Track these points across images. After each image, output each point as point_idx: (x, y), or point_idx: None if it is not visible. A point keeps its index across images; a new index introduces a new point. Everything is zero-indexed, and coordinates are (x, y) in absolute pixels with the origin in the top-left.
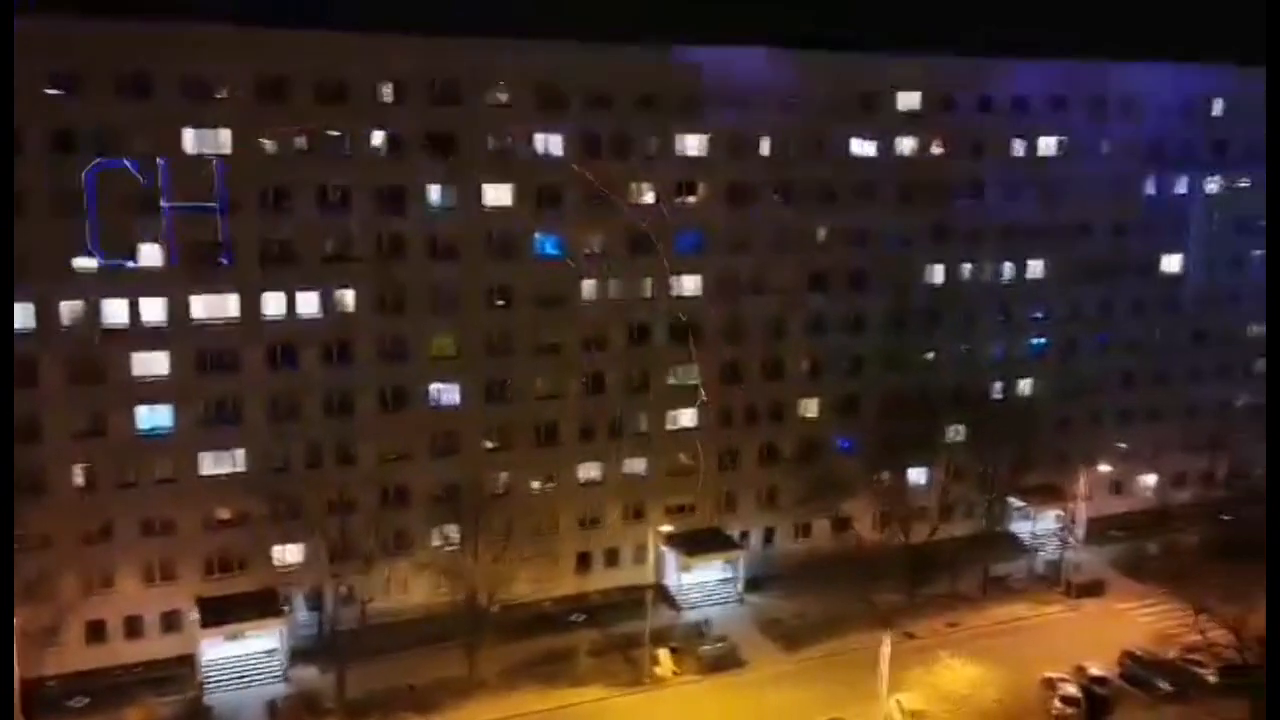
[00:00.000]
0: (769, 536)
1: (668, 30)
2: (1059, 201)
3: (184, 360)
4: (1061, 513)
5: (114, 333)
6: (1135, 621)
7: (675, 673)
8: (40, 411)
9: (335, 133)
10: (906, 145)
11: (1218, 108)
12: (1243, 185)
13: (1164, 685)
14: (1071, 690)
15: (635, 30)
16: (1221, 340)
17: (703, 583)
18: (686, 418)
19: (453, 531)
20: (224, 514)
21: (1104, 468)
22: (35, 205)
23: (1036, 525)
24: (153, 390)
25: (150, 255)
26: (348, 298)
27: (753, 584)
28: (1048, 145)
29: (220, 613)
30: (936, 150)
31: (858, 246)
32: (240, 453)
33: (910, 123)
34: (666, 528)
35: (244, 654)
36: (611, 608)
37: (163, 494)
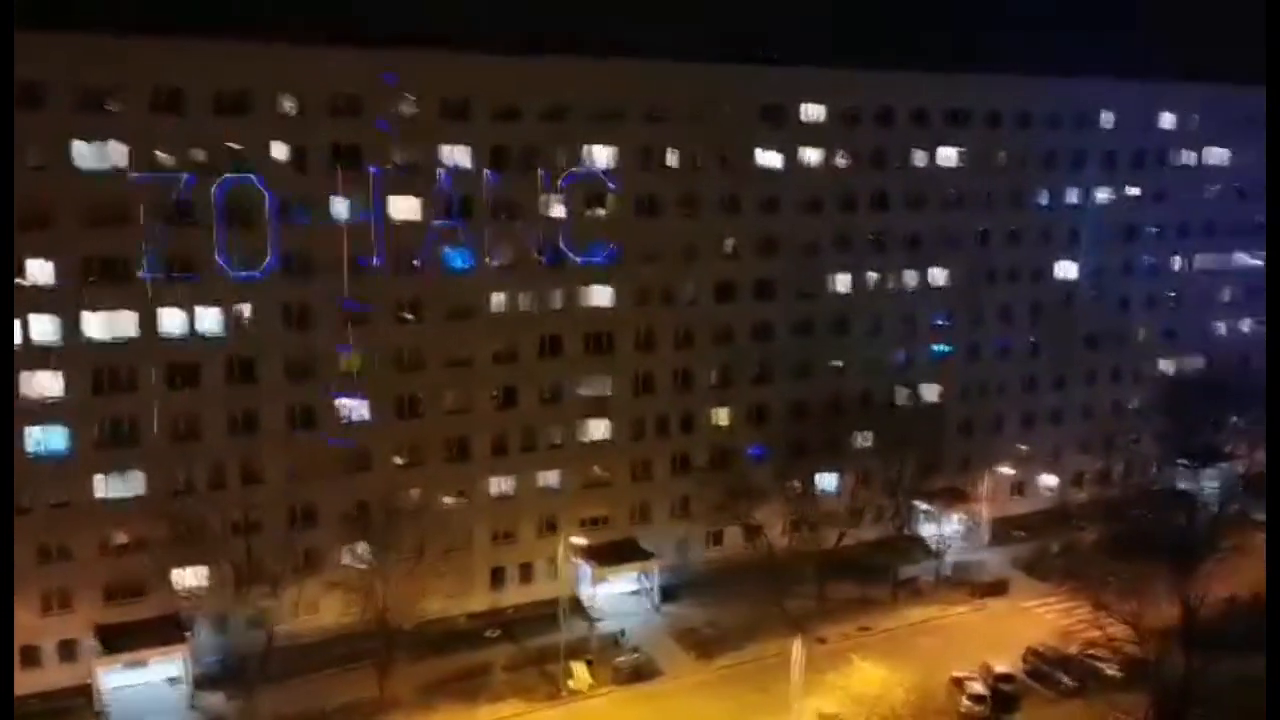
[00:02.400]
0: (682, 546)
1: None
2: (959, 211)
3: (79, 380)
4: (965, 515)
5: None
6: (1039, 619)
7: (591, 685)
8: None
9: (236, 146)
10: (812, 157)
11: (1107, 120)
12: (1131, 194)
13: (1067, 680)
14: (979, 688)
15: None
16: (1115, 343)
17: (617, 594)
18: (599, 429)
19: (364, 549)
20: (123, 538)
21: (1006, 470)
22: None
23: (942, 528)
24: (46, 411)
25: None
26: (247, 313)
27: (667, 593)
28: (947, 157)
29: (120, 640)
30: (841, 162)
31: (765, 256)
32: (139, 474)
33: (815, 135)
34: (580, 540)
35: (146, 682)
36: (526, 622)
37: (58, 518)
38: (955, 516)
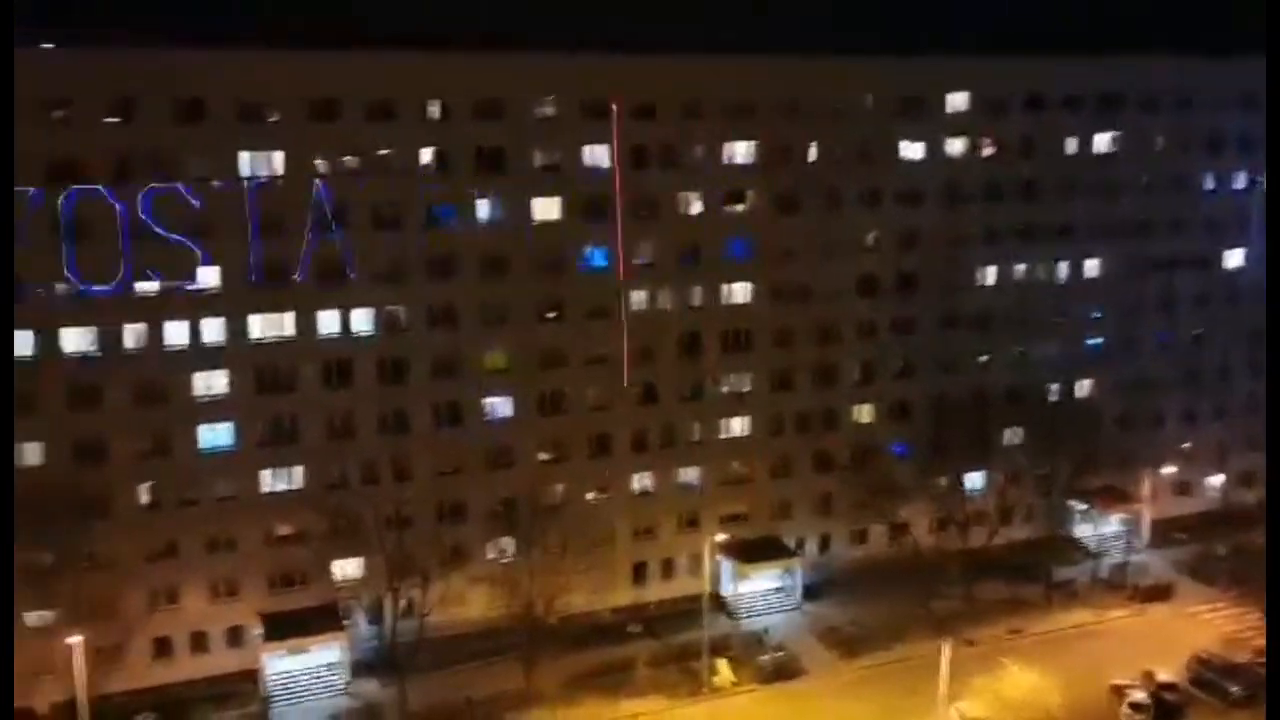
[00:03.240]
0: (825, 543)
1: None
2: (1115, 198)
3: (242, 379)
4: (1125, 515)
5: (175, 353)
6: (1204, 625)
7: (734, 682)
8: (106, 433)
9: (384, 151)
10: (957, 147)
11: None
12: None
13: (1235, 689)
14: (1140, 696)
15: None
16: None
17: (759, 591)
18: (739, 426)
19: (509, 544)
20: (284, 530)
21: (1167, 468)
22: (97, 230)
23: (1100, 528)
24: (214, 409)
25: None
26: (400, 314)
27: (810, 592)
28: (1101, 142)
29: (283, 627)
30: (987, 151)
31: (907, 250)
32: (299, 470)
33: (960, 124)
34: (721, 536)
35: (307, 668)
36: (668, 618)
37: (225, 511)
38: (1113, 516)
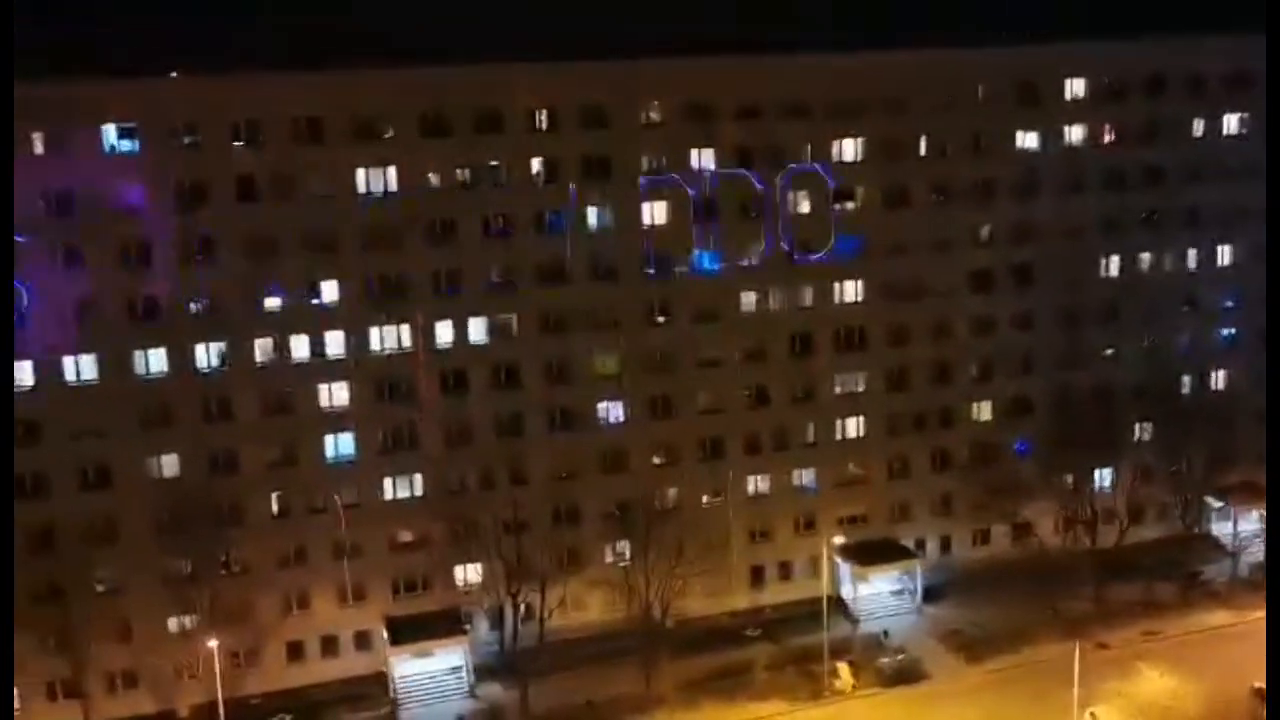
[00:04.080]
0: (946, 545)
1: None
2: (1247, 182)
3: (364, 390)
4: (1264, 511)
5: (300, 366)
6: None
7: (855, 686)
8: (237, 444)
9: (493, 163)
10: (1075, 135)
11: None
12: None
13: None
14: None
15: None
16: None
17: (879, 593)
18: (854, 427)
19: (625, 547)
20: (407, 536)
21: None
22: (227, 250)
23: (1238, 525)
24: (338, 420)
25: (329, 291)
26: (513, 322)
27: (930, 594)
28: (1230, 124)
29: (408, 631)
30: (1107, 138)
31: (1023, 242)
32: (418, 477)
33: (1077, 111)
34: (839, 538)
35: (432, 671)
36: (786, 621)
37: (350, 518)
38: (1253, 513)
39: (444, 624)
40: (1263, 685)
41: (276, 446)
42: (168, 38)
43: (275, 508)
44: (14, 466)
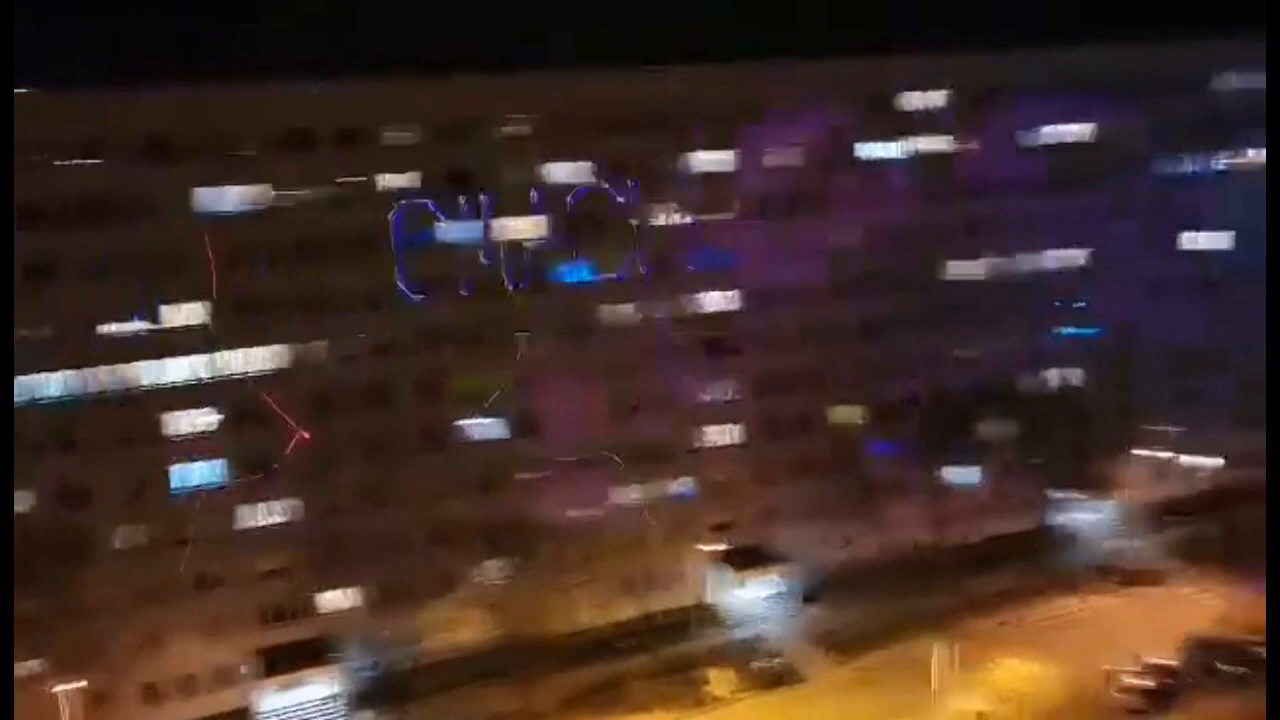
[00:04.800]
0: (817, 547)
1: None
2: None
3: (225, 415)
4: (1115, 501)
5: (150, 393)
6: (1197, 606)
7: (732, 691)
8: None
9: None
10: (925, 144)
11: (1228, 83)
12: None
13: (1228, 668)
14: (1135, 680)
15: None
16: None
17: (753, 598)
18: (725, 434)
19: (500, 565)
20: (272, 564)
21: (1156, 453)
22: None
23: (1090, 516)
24: (195, 447)
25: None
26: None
27: (804, 596)
28: (1079, 134)
29: (276, 662)
30: (955, 148)
31: (883, 248)
32: (285, 502)
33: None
34: (714, 545)
35: (302, 702)
36: (663, 630)
37: (213, 549)
38: (1104, 503)
39: (314, 653)
40: (1116, 667)
41: (128, 477)
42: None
43: (127, 541)
44: (14, 467)
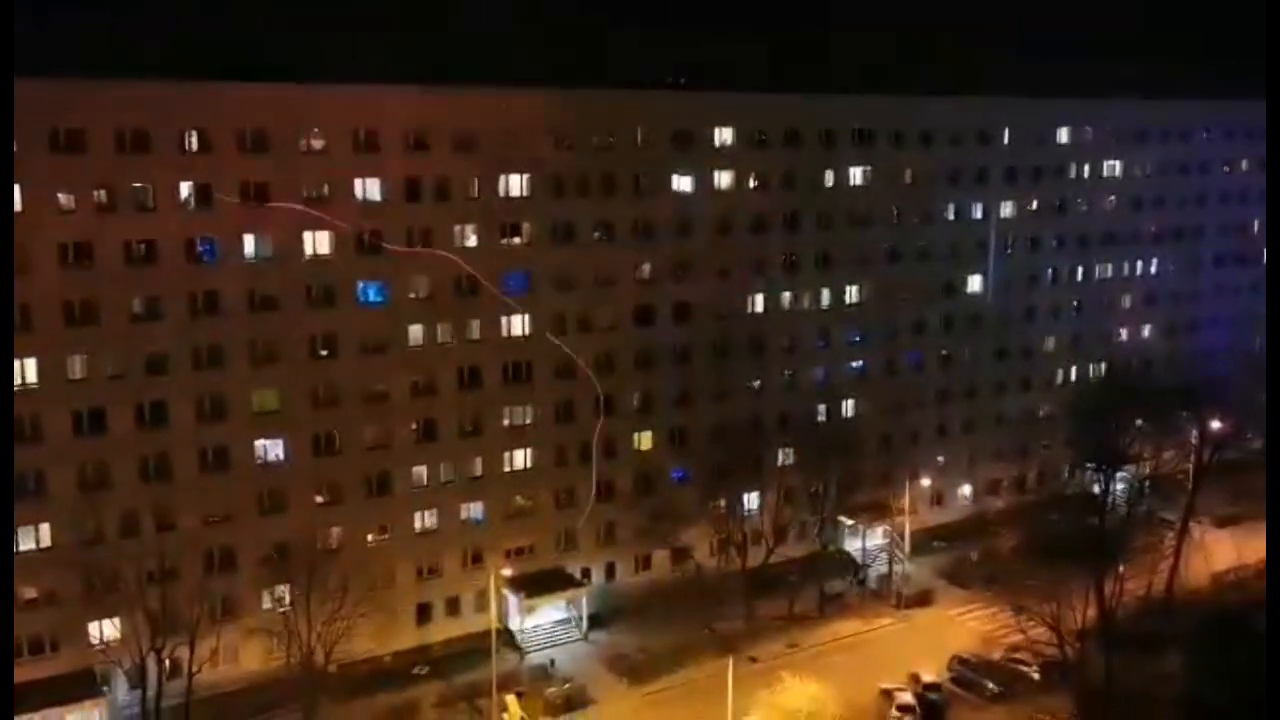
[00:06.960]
0: (610, 572)
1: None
2: (869, 228)
3: None
4: (888, 527)
5: None
6: (963, 627)
7: (524, 718)
8: None
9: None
10: (724, 180)
11: (1006, 136)
12: (1032, 208)
13: (992, 686)
14: (907, 698)
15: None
16: (1021, 354)
17: (546, 623)
18: (521, 459)
19: (284, 592)
20: (31, 593)
21: (924, 481)
22: None
23: (866, 541)
24: None
25: None
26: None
27: (597, 621)
28: (855, 176)
29: (30, 698)
30: (752, 184)
31: (680, 280)
32: (45, 526)
33: (727, 158)
34: (506, 571)
35: None
36: (455, 657)
37: None
38: (878, 529)
39: (76, 687)
40: (889, 686)
41: None
42: None
43: None
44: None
